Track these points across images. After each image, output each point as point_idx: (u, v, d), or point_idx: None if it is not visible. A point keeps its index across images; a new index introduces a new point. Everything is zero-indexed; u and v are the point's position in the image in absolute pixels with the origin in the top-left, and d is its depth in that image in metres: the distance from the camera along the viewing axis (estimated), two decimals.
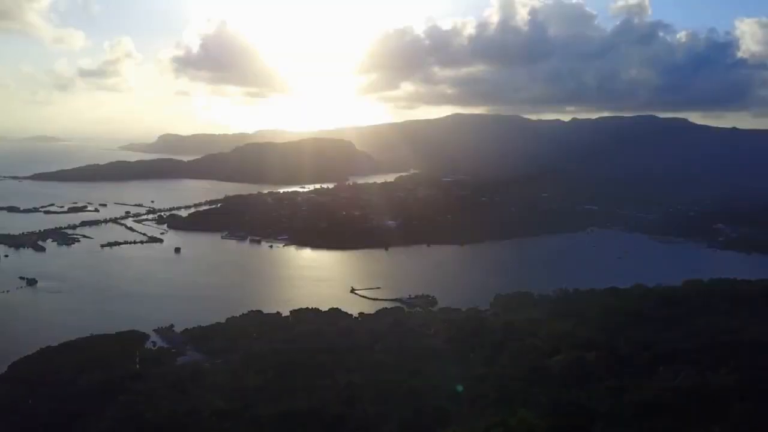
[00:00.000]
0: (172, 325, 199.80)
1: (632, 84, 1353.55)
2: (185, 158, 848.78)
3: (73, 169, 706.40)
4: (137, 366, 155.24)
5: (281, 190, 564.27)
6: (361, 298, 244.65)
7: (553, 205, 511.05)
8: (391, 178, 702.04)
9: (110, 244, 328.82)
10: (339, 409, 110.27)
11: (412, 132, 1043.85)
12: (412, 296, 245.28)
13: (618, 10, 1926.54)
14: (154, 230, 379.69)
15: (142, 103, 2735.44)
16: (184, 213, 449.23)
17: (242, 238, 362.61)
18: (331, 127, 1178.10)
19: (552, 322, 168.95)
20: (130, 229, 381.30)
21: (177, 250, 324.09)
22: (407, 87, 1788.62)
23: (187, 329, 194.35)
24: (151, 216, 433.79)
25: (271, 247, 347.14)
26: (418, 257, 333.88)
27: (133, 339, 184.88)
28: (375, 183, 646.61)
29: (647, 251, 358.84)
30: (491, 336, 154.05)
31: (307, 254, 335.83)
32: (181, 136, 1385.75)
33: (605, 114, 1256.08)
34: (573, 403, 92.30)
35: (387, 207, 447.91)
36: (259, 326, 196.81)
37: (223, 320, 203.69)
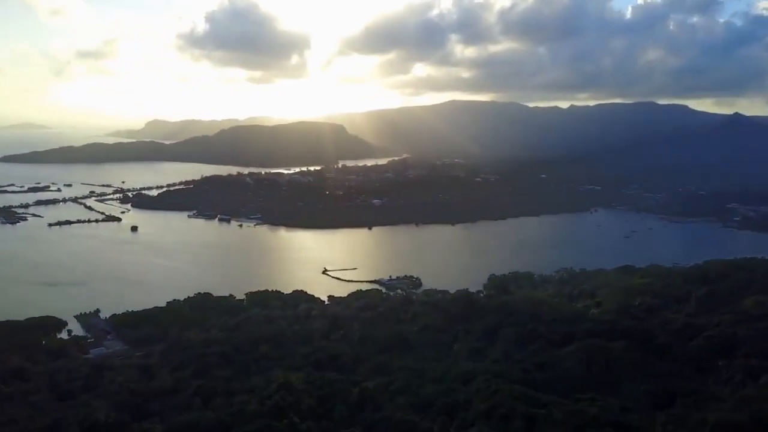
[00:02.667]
0: (97, 311, 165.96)
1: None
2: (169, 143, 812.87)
3: (46, 151, 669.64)
4: (28, 360, 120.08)
5: (263, 171, 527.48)
6: (334, 280, 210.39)
7: (552, 186, 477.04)
8: (383, 162, 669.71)
9: (60, 223, 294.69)
10: (257, 425, 75.75)
11: (408, 118, 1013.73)
12: (393, 278, 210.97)
13: None
14: (115, 209, 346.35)
15: (139, 89, 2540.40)
16: (154, 192, 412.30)
17: (211, 217, 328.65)
18: (327, 113, 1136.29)
19: (559, 303, 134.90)
20: (89, 208, 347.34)
21: (134, 228, 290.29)
22: (419, 70, 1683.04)
23: (115, 315, 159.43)
24: (116, 195, 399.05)
25: (240, 226, 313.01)
26: (404, 237, 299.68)
27: (45, 327, 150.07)
28: (365, 165, 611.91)
29: (658, 231, 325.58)
30: (482, 321, 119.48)
31: (281, 234, 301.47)
32: (169, 122, 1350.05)
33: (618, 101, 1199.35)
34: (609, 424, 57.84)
35: (374, 187, 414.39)
36: (203, 311, 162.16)
37: (163, 304, 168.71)
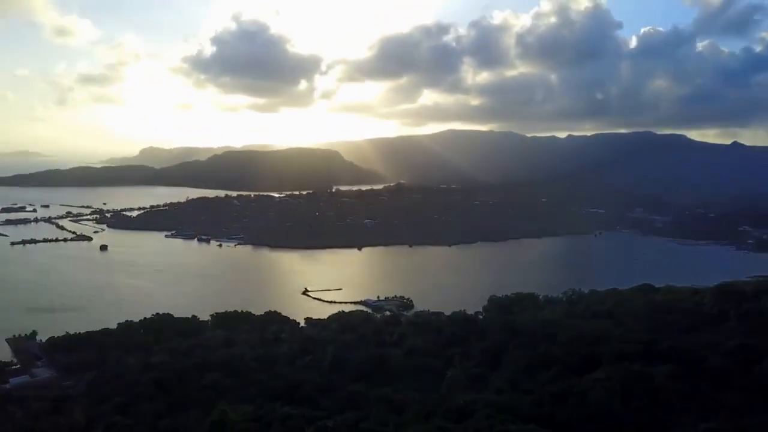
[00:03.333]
0: (34, 333, 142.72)
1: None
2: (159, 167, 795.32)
3: (31, 174, 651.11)
4: None
5: (252, 195, 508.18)
6: (315, 301, 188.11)
7: (553, 208, 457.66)
8: (378, 187, 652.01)
9: (24, 242, 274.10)
10: None
11: (405, 147, 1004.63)
12: (381, 299, 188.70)
13: None
14: (88, 229, 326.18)
15: (138, 117, 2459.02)
16: (135, 214, 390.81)
17: (189, 237, 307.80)
18: (325, 140, 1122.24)
19: (575, 322, 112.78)
20: (61, 227, 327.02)
21: (103, 247, 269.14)
22: (426, 97, 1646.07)
23: (53, 338, 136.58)
24: (94, 216, 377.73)
25: (219, 246, 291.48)
26: (396, 258, 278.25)
27: None
28: (359, 189, 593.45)
29: (669, 253, 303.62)
30: (483, 343, 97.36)
31: (263, 254, 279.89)
32: (164, 150, 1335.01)
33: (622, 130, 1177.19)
34: None
35: (367, 209, 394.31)
36: (157, 333, 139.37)
37: (114, 326, 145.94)
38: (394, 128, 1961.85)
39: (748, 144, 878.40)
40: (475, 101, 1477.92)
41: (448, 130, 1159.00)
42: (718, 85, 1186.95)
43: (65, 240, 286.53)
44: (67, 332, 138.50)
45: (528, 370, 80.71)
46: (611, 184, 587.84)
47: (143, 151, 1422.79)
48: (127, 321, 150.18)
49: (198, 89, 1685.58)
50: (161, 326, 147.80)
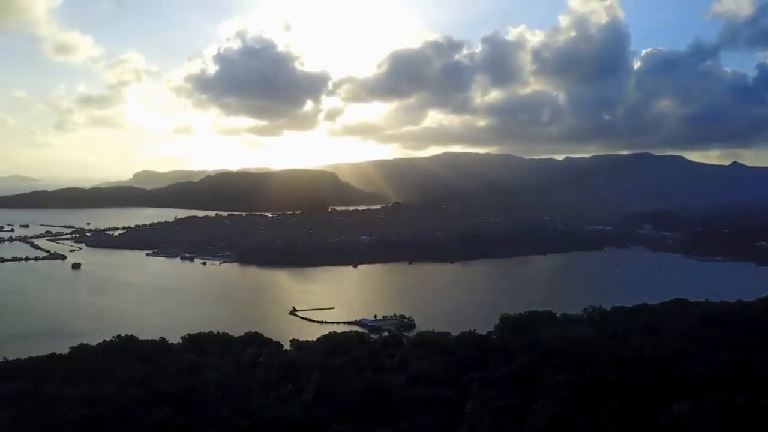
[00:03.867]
0: None
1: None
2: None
3: (16, 196, 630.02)
4: None
5: (243, 214, 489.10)
6: (303, 322, 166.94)
7: (557, 225, 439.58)
8: (375, 207, 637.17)
9: None
10: None
11: (402, 169, 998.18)
12: (379, 318, 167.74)
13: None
14: (64, 248, 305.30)
15: (135, 140, 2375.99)
16: (118, 233, 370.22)
17: (172, 255, 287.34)
18: (323, 162, 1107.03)
19: (614, 341, 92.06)
20: (36, 246, 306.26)
21: (75, 266, 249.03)
22: (431, 119, 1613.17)
23: None
24: (74, 235, 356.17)
25: (204, 264, 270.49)
26: (394, 275, 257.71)
27: None
28: (355, 209, 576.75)
29: (686, 269, 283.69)
30: (507, 367, 76.36)
31: (250, 272, 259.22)
32: (157, 173, 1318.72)
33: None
34: None
35: (362, 226, 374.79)
36: (117, 358, 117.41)
37: (66, 350, 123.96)
38: (395, 151, 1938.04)
39: (749, 164, 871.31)
40: (481, 122, 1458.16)
41: (445, 153, 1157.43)
42: (725, 105, 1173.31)
43: (36, 259, 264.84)
44: (5, 358, 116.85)
45: (577, 401, 59.93)
46: (614, 203, 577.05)
47: (137, 175, 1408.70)
48: (81, 344, 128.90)
49: (199, 110, 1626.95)
50: (121, 350, 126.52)
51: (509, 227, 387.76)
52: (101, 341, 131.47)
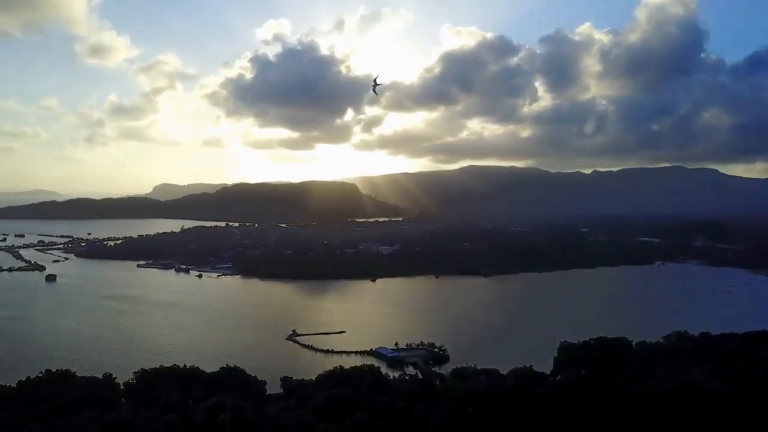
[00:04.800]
0: None
1: None
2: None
3: (24, 206, 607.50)
4: None
5: (256, 225, 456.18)
6: (304, 350, 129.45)
7: (599, 237, 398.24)
8: (398, 219, 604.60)
9: None
10: None
11: (426, 182, 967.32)
12: (402, 346, 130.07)
13: None
14: (50, 258, 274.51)
15: (163, 153, 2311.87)
16: (117, 243, 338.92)
17: (167, 267, 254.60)
18: (345, 176, 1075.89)
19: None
20: (18, 257, 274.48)
21: (50, 278, 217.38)
22: (470, 130, 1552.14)
23: None
24: (66, 246, 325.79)
25: (200, 276, 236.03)
26: (420, 291, 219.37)
27: None
28: (377, 221, 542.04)
29: (761, 287, 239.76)
30: None
31: (251, 285, 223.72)
32: (177, 186, 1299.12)
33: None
34: None
35: (384, 238, 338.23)
36: (27, 405, 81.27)
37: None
38: (424, 165, 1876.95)
39: None
40: (524, 132, 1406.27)
41: (467, 166, 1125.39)
42: None
43: (10, 270, 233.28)
44: None
45: None
46: (650, 216, 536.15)
47: (156, 188, 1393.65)
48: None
49: (233, 119, 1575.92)
50: (39, 393, 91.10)
51: (545, 239, 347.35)
52: (25, 378, 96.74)
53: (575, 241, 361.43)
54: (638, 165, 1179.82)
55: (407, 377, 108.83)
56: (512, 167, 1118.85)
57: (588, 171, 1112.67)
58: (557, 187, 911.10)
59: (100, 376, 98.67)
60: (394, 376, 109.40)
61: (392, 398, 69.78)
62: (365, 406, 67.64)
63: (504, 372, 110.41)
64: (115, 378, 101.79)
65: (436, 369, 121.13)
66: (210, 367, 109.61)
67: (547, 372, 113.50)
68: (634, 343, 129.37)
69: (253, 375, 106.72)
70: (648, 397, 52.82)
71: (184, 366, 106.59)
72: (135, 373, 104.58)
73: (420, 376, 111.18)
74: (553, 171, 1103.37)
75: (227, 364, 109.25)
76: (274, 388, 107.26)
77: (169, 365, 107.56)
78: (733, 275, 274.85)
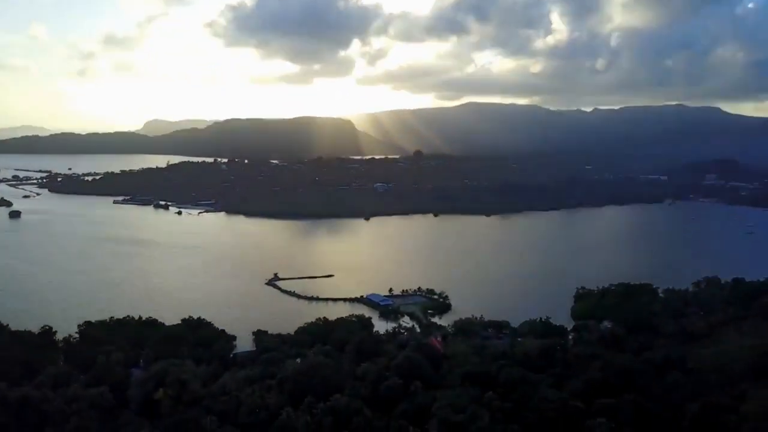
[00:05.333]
0: None
1: None
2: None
3: (5, 141, 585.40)
4: None
5: (246, 161, 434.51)
6: (285, 296, 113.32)
7: (605, 175, 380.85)
8: (394, 157, 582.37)
9: None
10: None
11: (423, 119, 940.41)
12: (397, 293, 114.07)
13: None
14: (20, 194, 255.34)
15: (157, 87, 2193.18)
16: (97, 178, 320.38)
17: (145, 203, 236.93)
18: (342, 113, 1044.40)
19: None
20: None
21: (14, 214, 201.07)
22: (478, 64, 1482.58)
23: None
24: (41, 181, 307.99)
25: (179, 213, 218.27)
26: (417, 230, 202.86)
27: None
28: (373, 158, 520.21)
29: None
30: None
31: (234, 223, 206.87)
32: (169, 122, 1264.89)
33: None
34: None
35: (380, 174, 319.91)
36: None
37: None
38: (427, 101, 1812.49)
39: None
40: (535, 67, 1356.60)
41: (466, 104, 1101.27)
42: None
43: None
44: None
45: None
46: (655, 154, 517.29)
47: (148, 124, 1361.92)
48: None
49: (233, 48, 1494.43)
50: None
51: (549, 178, 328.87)
52: None
53: (580, 179, 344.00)
54: (641, 104, 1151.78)
55: (403, 331, 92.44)
56: (513, 105, 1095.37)
57: (589, 109, 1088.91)
58: (558, 125, 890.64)
59: (36, 330, 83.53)
60: (387, 330, 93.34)
61: (382, 374, 53.32)
62: (345, 384, 51.34)
63: (515, 324, 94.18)
64: (55, 333, 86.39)
65: (437, 319, 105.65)
66: (172, 317, 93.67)
67: (565, 324, 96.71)
68: (660, 291, 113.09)
69: (221, 328, 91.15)
70: None
71: (139, 318, 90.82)
72: (79, 326, 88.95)
73: (418, 330, 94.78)
74: (553, 109, 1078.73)
75: (190, 316, 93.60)
76: (245, 342, 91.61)
77: (122, 317, 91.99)
78: (750, 214, 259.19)
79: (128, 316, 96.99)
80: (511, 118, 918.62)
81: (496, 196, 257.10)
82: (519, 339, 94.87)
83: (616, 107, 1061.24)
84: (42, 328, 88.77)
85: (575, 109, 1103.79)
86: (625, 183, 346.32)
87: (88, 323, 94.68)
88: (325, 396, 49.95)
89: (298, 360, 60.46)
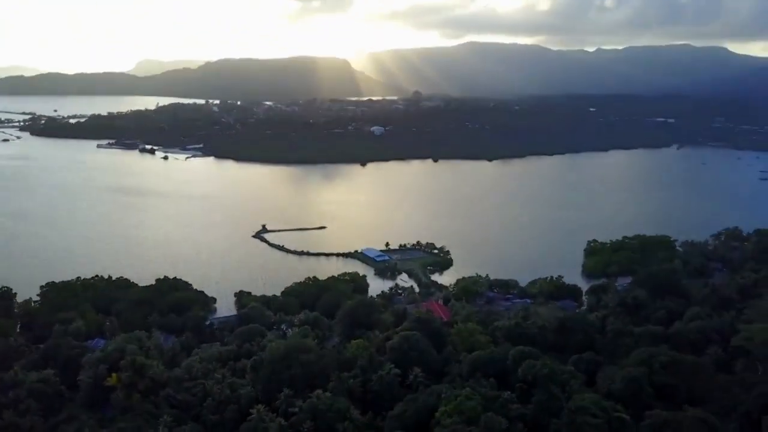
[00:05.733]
0: None
1: None
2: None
3: None
4: None
5: (238, 102, 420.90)
6: (273, 250, 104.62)
7: (609, 119, 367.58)
8: (392, 98, 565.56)
9: None
10: None
11: (424, 58, 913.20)
12: (393, 247, 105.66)
13: None
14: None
15: (149, 28, 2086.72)
16: (82, 121, 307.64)
17: (130, 147, 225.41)
18: (339, 53, 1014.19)
19: None
20: None
21: None
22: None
23: None
24: (23, 123, 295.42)
25: (165, 158, 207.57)
26: (416, 177, 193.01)
27: None
28: (370, 99, 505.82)
29: None
30: None
31: (223, 169, 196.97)
32: (161, 62, 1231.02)
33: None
34: None
35: (377, 116, 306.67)
36: None
37: None
38: (430, 40, 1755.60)
39: None
40: (543, 4, 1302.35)
41: (468, 43, 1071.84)
42: None
43: None
44: None
45: None
46: (661, 95, 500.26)
47: (139, 64, 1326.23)
48: None
49: None
50: None
51: (552, 120, 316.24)
52: None
53: (584, 122, 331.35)
54: (645, 44, 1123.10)
55: (400, 292, 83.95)
56: (515, 44, 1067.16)
57: (592, 49, 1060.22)
58: (561, 66, 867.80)
59: None
60: (383, 291, 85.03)
61: (374, 359, 44.81)
62: (330, 371, 42.99)
63: (523, 284, 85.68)
64: (15, 295, 77.78)
65: (437, 277, 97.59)
66: (148, 276, 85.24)
67: (577, 283, 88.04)
68: (678, 244, 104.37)
69: (199, 290, 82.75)
70: None
71: (109, 278, 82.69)
72: (42, 288, 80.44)
73: (417, 290, 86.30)
74: (555, 49, 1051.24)
75: (165, 276, 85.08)
76: (227, 305, 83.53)
77: (90, 276, 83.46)
78: (762, 159, 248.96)
79: (97, 276, 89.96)
80: (513, 58, 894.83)
81: (499, 140, 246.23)
82: (528, 301, 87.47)
83: (620, 47, 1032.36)
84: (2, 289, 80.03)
85: (578, 49, 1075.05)
86: (631, 126, 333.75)
87: (51, 285, 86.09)
88: (305, 387, 41.81)
89: (271, 342, 50.99)
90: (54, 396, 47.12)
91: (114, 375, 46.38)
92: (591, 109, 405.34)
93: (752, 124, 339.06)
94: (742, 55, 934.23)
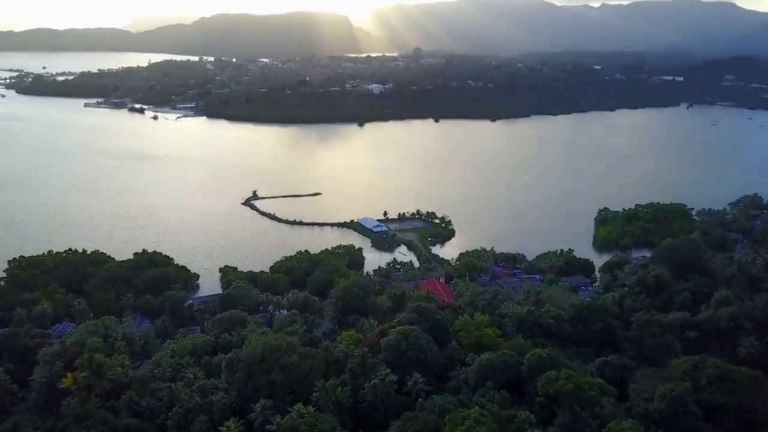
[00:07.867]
0: None
1: None
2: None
3: None
4: None
5: (233, 59, 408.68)
6: (263, 219, 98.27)
7: (616, 75, 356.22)
8: (392, 54, 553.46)
9: None
10: None
11: (424, 13, 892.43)
12: (392, 217, 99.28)
13: None
14: None
15: None
16: (71, 78, 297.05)
17: (119, 106, 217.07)
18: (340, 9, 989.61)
19: None
20: None
21: None
22: None
23: None
24: (9, 80, 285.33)
25: (155, 118, 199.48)
26: (416, 139, 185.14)
27: None
28: (369, 56, 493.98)
29: None
30: None
31: (214, 129, 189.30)
32: (155, 18, 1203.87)
33: None
34: None
35: (376, 74, 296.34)
36: None
37: None
38: None
39: None
40: None
41: None
42: None
43: None
44: None
45: None
46: (668, 54, 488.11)
47: (133, 20, 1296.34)
48: None
49: None
50: None
51: (556, 78, 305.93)
52: None
53: (590, 80, 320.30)
54: None
55: (398, 267, 77.95)
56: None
57: (597, 5, 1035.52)
58: (565, 21, 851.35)
59: None
60: (381, 266, 79.00)
61: (367, 359, 38.86)
62: (315, 375, 37.16)
63: (530, 258, 79.15)
64: None
65: (438, 249, 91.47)
66: (127, 249, 79.07)
67: (588, 256, 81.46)
68: (694, 213, 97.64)
69: (182, 264, 76.63)
70: None
71: (83, 252, 76.36)
72: (9, 263, 74.28)
73: (417, 265, 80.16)
74: (559, 5, 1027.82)
75: (144, 249, 78.77)
76: (211, 282, 77.64)
77: (63, 250, 77.12)
78: None
79: (70, 249, 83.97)
80: (516, 13, 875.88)
81: (502, 99, 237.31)
82: (537, 277, 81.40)
83: (625, 3, 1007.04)
84: None
85: (582, 4, 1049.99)
86: (638, 84, 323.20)
87: (20, 259, 79.62)
88: (286, 396, 35.99)
89: (251, 335, 44.84)
90: (4, 396, 41.46)
91: (69, 375, 40.38)
92: (596, 67, 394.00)
93: (763, 82, 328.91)
94: (750, 10, 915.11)
